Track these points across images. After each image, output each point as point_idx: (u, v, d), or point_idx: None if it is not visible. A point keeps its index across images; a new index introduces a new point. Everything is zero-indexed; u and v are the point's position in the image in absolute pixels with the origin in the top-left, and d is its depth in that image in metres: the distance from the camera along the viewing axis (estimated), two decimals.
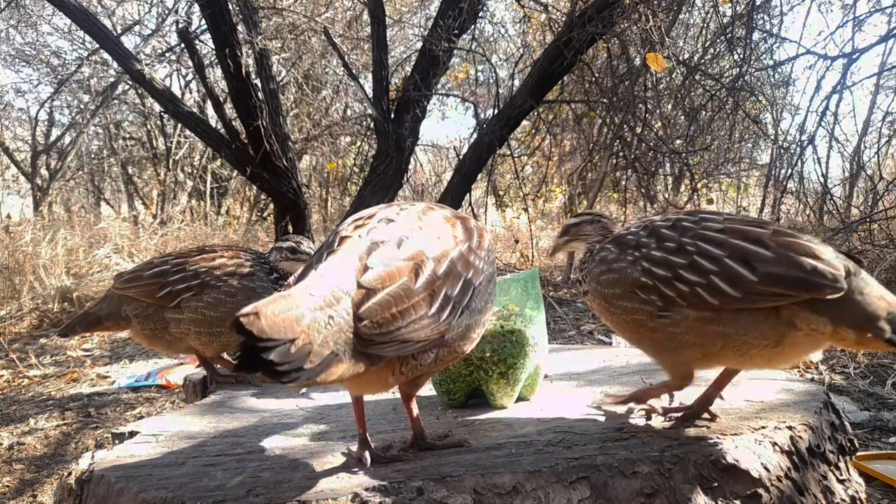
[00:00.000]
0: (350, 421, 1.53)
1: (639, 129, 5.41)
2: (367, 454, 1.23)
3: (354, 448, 1.27)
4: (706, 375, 1.45)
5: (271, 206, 8.21)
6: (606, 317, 1.43)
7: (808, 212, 5.88)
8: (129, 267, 6.46)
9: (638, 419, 1.43)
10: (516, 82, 6.05)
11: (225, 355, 2.07)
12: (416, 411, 1.30)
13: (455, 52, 5.75)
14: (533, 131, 7.07)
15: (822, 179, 5.42)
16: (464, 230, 1.30)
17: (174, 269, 1.93)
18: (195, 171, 10.83)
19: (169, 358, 4.41)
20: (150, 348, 2.28)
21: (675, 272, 1.27)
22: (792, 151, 5.19)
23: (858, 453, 1.81)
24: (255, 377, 1.92)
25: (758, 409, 1.44)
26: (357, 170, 9.39)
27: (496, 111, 5.60)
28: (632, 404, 1.48)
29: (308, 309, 1.02)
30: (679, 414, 1.41)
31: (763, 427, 1.30)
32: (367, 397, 1.74)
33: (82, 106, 10.23)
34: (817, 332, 1.21)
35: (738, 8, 4.82)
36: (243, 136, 4.83)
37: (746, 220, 1.32)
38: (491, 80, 7.06)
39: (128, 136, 11.47)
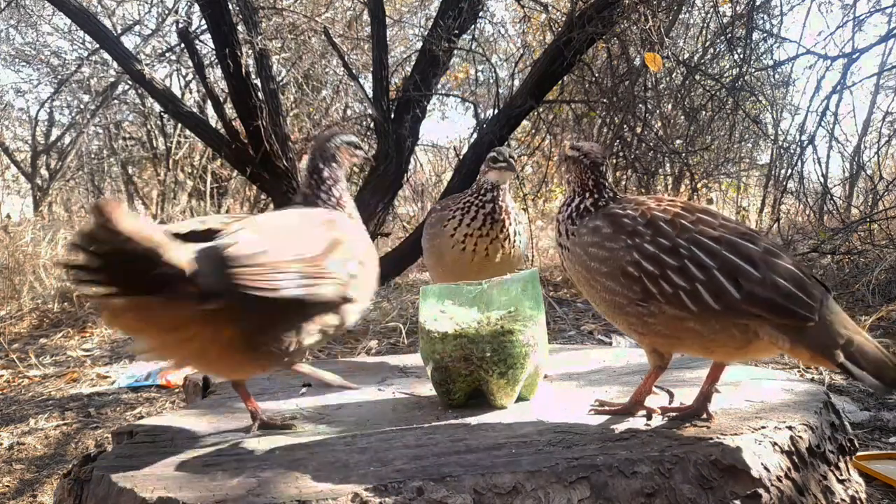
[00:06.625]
0: (351, 421, 1.53)
1: (639, 129, 5.41)
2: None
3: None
4: (701, 375, 1.46)
5: (271, 206, 8.19)
6: (585, 286, 1.46)
7: (808, 212, 5.89)
8: None
9: (638, 419, 1.43)
10: (516, 82, 6.04)
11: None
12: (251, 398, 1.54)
13: (455, 52, 5.74)
14: (533, 131, 7.05)
15: (822, 179, 5.43)
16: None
17: None
18: (195, 171, 10.81)
19: None
20: None
21: (662, 271, 1.31)
22: (792, 151, 5.19)
23: (858, 453, 1.81)
24: None
25: (758, 409, 1.44)
26: (357, 170, 9.38)
27: (496, 111, 5.59)
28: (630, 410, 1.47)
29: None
30: (678, 414, 1.41)
31: (763, 427, 1.31)
32: (367, 398, 1.74)
33: (82, 106, 10.22)
34: (776, 346, 1.28)
35: (738, 8, 4.82)
36: (243, 136, 4.82)
37: (740, 232, 1.34)
38: (491, 80, 7.05)
39: (128, 136, 11.45)
